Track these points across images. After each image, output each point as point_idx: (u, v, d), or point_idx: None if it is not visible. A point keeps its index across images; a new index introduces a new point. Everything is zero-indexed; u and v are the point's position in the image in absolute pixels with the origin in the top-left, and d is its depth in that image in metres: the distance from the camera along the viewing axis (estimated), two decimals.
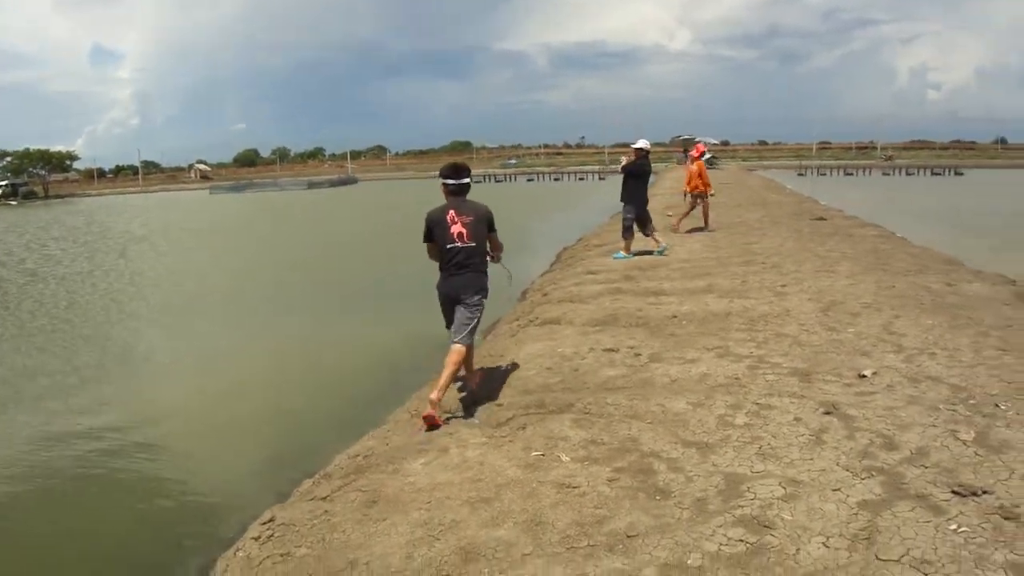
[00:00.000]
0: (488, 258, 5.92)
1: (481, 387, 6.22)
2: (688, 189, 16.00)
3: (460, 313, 5.71)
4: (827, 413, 4.78)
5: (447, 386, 5.57)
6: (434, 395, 5.41)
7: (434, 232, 5.72)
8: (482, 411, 5.69)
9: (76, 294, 16.73)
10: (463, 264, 5.65)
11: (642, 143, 12.14)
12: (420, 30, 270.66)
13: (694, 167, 16.13)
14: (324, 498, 4.38)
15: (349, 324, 12.67)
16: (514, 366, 6.74)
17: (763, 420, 4.76)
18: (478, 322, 5.84)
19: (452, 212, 5.66)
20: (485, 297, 5.84)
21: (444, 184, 5.79)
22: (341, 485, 4.50)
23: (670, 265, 11.33)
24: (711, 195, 16.31)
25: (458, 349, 5.65)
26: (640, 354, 6.59)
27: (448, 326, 5.87)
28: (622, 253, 12.51)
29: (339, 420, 7.42)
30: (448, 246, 5.65)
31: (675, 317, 7.92)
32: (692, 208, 16.22)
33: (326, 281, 17.66)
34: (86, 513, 5.95)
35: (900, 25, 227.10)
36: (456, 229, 5.63)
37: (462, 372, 6.07)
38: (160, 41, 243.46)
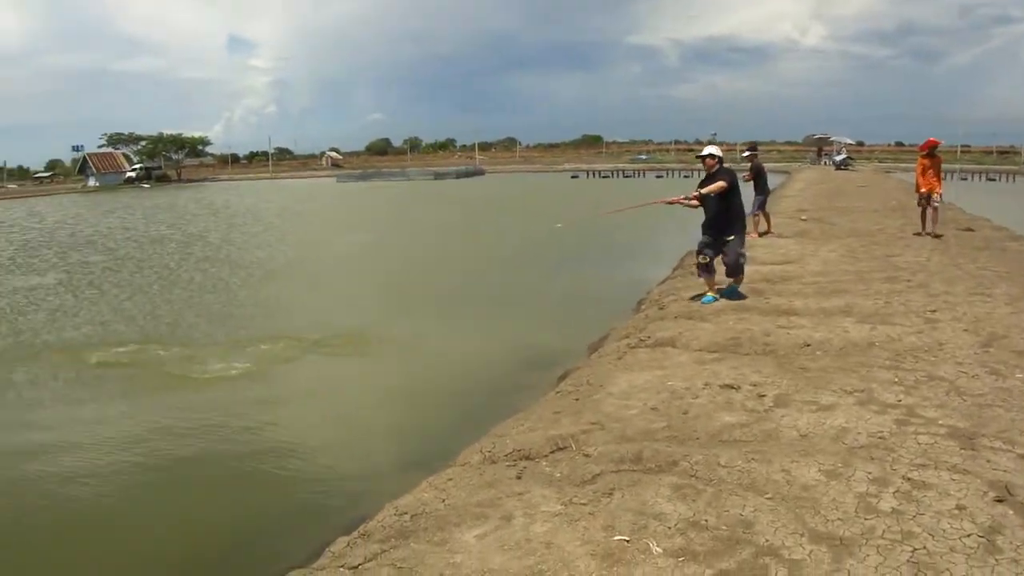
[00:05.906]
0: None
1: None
2: (926, 190, 14.03)
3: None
4: (999, 500, 3.87)
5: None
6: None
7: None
8: (566, 461, 4.85)
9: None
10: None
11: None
12: (552, 23, 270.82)
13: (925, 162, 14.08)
14: (354, 568, 3.76)
15: (449, 330, 12.07)
16: (613, 402, 5.95)
17: (916, 506, 3.84)
18: None
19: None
20: None
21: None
22: (377, 552, 3.83)
23: (803, 278, 10.28)
24: (936, 197, 14.06)
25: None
26: (764, 395, 5.77)
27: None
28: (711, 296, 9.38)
29: (410, 448, 7.08)
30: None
31: (808, 346, 7.03)
32: (924, 211, 14.30)
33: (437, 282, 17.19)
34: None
35: None
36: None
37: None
38: (297, 31, 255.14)
